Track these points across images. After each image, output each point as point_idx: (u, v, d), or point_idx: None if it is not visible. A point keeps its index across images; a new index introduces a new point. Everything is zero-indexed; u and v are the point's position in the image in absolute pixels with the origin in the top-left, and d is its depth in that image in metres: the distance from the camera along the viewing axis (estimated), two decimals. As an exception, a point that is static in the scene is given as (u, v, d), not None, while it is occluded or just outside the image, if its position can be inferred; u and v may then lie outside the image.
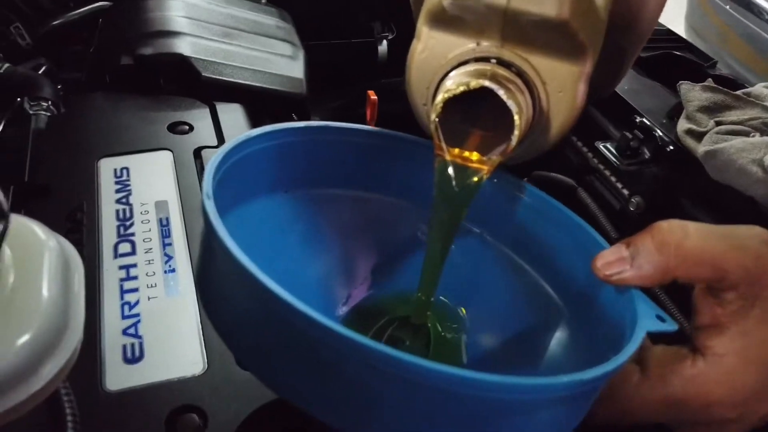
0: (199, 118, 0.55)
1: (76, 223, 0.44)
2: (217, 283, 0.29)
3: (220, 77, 0.58)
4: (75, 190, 0.46)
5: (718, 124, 0.48)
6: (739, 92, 0.52)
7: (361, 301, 0.37)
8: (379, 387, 0.24)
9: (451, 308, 0.38)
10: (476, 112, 0.33)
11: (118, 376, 0.35)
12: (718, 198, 0.47)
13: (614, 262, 0.31)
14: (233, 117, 0.56)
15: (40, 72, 0.64)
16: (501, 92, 0.30)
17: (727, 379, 0.30)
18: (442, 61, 0.33)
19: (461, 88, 0.30)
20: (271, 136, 0.34)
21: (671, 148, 0.51)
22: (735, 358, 0.30)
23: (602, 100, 0.56)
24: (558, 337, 0.35)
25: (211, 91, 0.57)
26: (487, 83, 0.30)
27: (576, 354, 0.33)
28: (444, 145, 0.32)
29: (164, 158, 0.50)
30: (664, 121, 0.54)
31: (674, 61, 0.65)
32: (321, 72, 0.70)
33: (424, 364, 0.22)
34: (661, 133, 0.52)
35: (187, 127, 0.54)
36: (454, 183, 0.32)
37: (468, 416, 0.25)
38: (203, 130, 0.54)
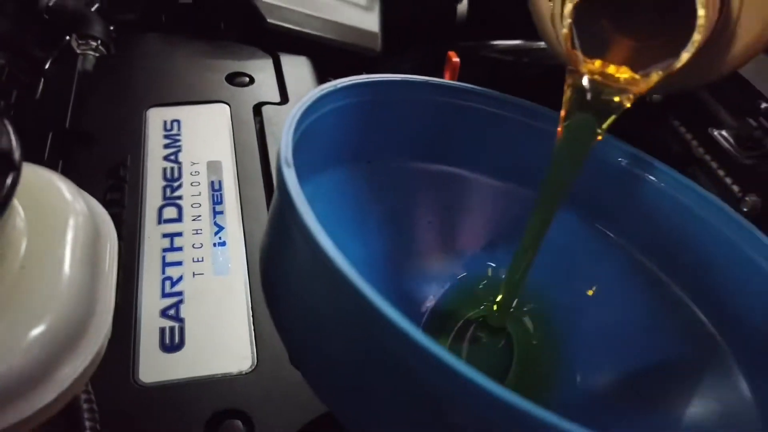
0: (261, 70, 0.49)
1: (118, 179, 0.39)
2: (288, 272, 0.23)
3: (287, 24, 0.52)
4: (119, 142, 0.41)
5: None
6: None
7: (443, 295, 0.32)
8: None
9: (550, 317, 0.32)
10: (622, 14, 0.25)
11: (153, 367, 0.30)
12: None
13: None
14: (299, 71, 0.50)
15: (92, 9, 0.59)
16: None
17: None
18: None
19: None
20: (361, 89, 0.28)
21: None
22: None
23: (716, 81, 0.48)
24: (706, 382, 0.28)
25: (276, 39, 0.51)
26: None
27: (741, 411, 0.27)
28: (580, 54, 0.24)
29: (220, 112, 0.44)
30: None
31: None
32: (389, 30, 0.64)
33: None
34: None
35: (247, 79, 0.48)
36: (588, 103, 0.24)
37: None
38: (265, 84, 0.48)
